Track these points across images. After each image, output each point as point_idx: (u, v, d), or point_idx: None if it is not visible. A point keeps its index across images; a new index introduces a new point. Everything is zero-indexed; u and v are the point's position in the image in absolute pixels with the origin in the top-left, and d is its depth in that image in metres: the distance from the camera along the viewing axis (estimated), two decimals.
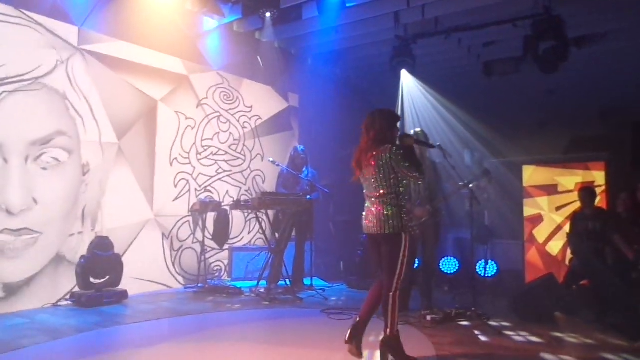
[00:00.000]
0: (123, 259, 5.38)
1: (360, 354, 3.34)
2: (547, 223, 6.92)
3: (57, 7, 5.21)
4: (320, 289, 6.02)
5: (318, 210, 6.69)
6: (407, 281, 4.86)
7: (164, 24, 6.20)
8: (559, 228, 6.77)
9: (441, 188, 5.03)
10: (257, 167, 7.47)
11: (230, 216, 6.58)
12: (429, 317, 4.53)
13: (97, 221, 5.46)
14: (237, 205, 5.96)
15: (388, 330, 3.28)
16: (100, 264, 5.11)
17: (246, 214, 7.10)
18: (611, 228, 5.06)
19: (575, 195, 5.90)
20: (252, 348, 3.77)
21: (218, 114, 6.99)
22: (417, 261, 5.06)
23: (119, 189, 5.68)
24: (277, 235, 5.95)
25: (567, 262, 5.91)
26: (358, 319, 3.41)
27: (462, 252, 6.63)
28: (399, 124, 3.59)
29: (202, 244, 6.15)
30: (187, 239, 6.40)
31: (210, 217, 6.31)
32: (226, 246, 6.67)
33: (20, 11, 4.92)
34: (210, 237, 6.36)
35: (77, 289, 5.06)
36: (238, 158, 7.24)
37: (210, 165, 6.84)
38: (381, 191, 3.36)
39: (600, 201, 6.08)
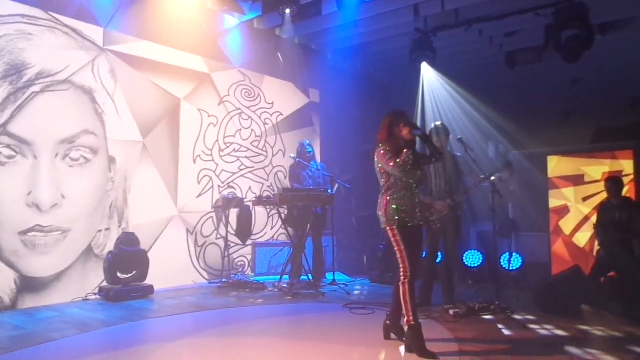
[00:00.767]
0: (149, 254, 5.50)
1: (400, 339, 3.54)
2: (574, 214, 6.79)
3: (83, 9, 5.36)
4: (342, 284, 6.05)
5: (339, 205, 6.71)
6: (427, 275, 4.89)
7: (185, 23, 6.31)
8: (586, 219, 6.63)
9: (462, 181, 4.97)
10: (278, 162, 7.52)
11: (252, 212, 6.64)
12: (451, 311, 4.49)
13: (123, 217, 5.60)
14: (259, 201, 6.04)
15: (404, 319, 3.40)
16: (127, 259, 5.24)
17: (268, 210, 7.16)
18: (638, 218, 4.94)
19: (602, 185, 5.76)
20: (275, 342, 3.81)
21: (239, 110, 7.06)
22: (439, 255, 5.04)
23: (143, 185, 5.81)
24: (289, 230, 5.97)
25: (594, 254, 5.79)
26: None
27: (485, 246, 6.56)
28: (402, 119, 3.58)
29: (226, 239, 6.23)
30: (210, 234, 6.50)
31: (233, 212, 6.37)
32: (249, 241, 6.74)
33: (49, 14, 5.08)
34: (234, 233, 6.44)
35: (104, 284, 5.20)
36: (260, 154, 7.31)
37: (233, 162, 6.92)
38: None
39: (628, 190, 5.93)
